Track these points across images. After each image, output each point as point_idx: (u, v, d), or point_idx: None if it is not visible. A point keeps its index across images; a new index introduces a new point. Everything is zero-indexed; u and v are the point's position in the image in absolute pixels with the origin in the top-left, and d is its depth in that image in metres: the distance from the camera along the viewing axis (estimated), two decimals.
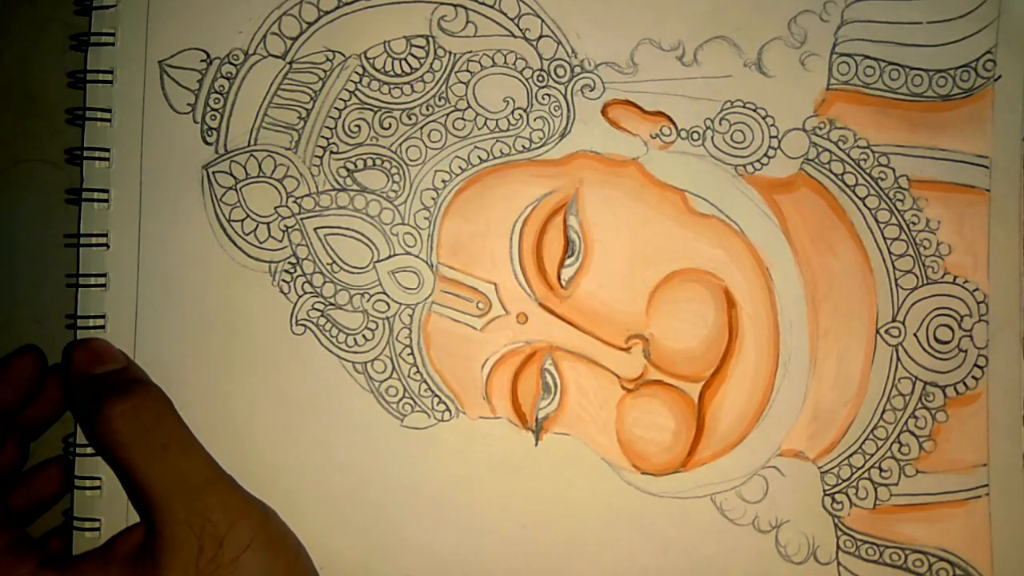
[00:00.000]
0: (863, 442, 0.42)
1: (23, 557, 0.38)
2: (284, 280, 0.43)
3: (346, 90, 0.43)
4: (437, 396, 0.43)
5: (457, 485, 0.43)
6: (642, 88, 0.42)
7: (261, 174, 0.43)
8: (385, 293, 0.43)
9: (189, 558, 0.37)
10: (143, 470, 0.38)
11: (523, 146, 0.43)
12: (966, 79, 0.42)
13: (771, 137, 0.42)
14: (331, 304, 0.43)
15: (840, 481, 0.42)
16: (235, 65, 0.43)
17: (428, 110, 0.43)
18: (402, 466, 0.43)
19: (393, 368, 0.43)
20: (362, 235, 0.43)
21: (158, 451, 0.38)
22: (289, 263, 0.43)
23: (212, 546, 0.38)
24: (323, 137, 0.43)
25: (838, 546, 0.42)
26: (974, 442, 0.42)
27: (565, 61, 0.43)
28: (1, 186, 0.46)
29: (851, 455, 0.42)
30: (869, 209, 0.42)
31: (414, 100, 0.43)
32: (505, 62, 0.43)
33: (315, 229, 0.43)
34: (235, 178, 0.43)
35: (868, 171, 0.42)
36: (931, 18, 0.43)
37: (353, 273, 0.43)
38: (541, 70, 0.43)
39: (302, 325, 0.43)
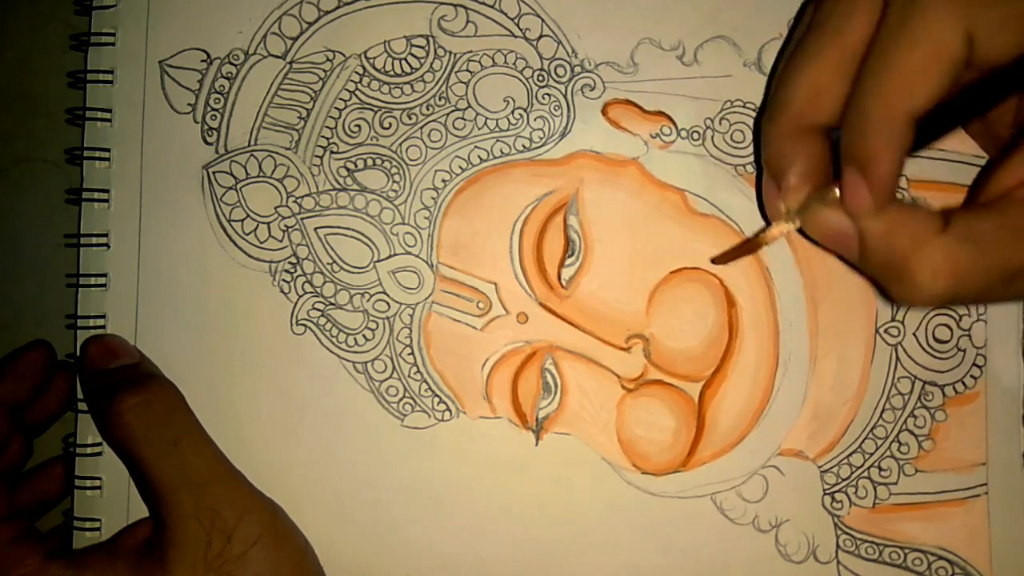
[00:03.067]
0: (863, 441, 0.42)
1: (31, 548, 0.39)
2: (284, 280, 0.43)
3: (346, 90, 0.43)
4: (437, 396, 0.43)
5: (457, 485, 0.43)
6: (642, 88, 0.42)
7: (261, 174, 0.43)
8: (385, 293, 0.43)
9: (197, 552, 0.37)
10: (153, 464, 0.38)
11: (523, 146, 0.43)
12: None
13: None
14: (331, 304, 0.43)
15: (840, 480, 0.42)
16: (235, 65, 0.43)
17: (428, 110, 0.43)
18: (402, 466, 0.43)
19: (393, 368, 0.43)
20: (362, 235, 0.43)
21: (168, 445, 0.38)
22: (289, 263, 0.43)
23: (220, 540, 0.38)
24: (323, 137, 0.43)
25: (838, 545, 0.42)
26: (973, 441, 0.42)
27: (565, 61, 0.43)
28: (1, 186, 0.46)
29: (851, 454, 0.42)
30: None
31: (414, 100, 0.43)
32: (505, 62, 0.43)
33: (315, 229, 0.43)
34: (235, 178, 0.43)
35: None
36: None
37: (353, 273, 0.43)
38: (541, 70, 0.43)
39: (302, 325, 0.43)
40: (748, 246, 0.39)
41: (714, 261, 0.41)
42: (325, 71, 0.43)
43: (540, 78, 0.43)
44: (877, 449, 0.42)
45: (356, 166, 0.43)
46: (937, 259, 0.32)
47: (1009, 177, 0.34)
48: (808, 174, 0.35)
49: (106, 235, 0.43)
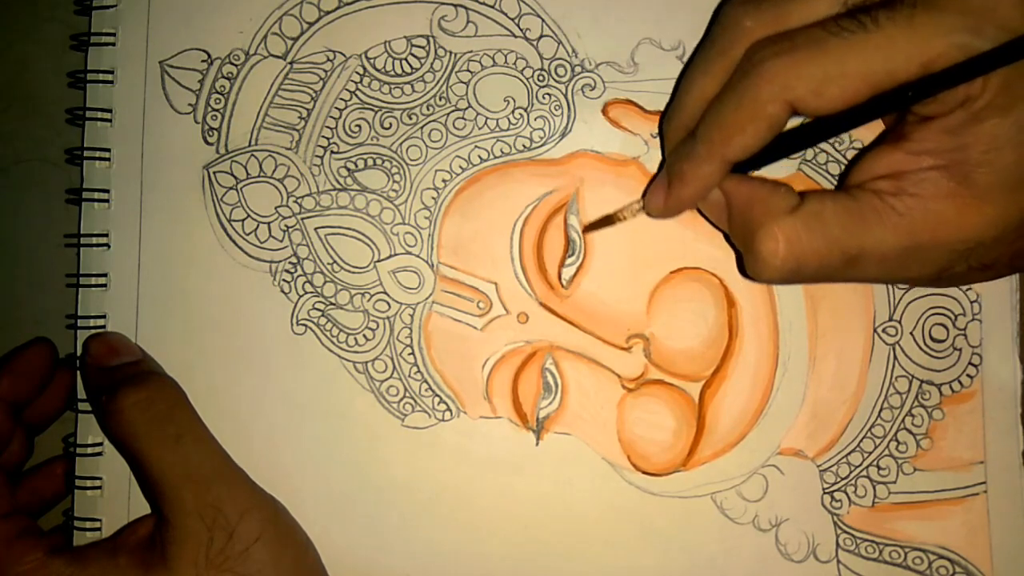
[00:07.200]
0: (861, 440, 0.42)
1: (33, 545, 0.39)
2: (285, 280, 0.43)
3: (347, 90, 0.43)
4: (438, 396, 0.43)
5: (457, 485, 0.43)
6: (643, 87, 0.43)
7: (262, 174, 0.43)
8: (386, 293, 0.43)
9: (199, 548, 0.37)
10: (155, 460, 0.38)
11: (524, 145, 0.43)
12: None
13: None
14: (332, 304, 0.43)
15: (839, 479, 0.42)
16: (236, 65, 0.43)
17: (429, 110, 0.43)
18: (403, 466, 0.43)
19: (394, 368, 0.43)
20: (363, 235, 0.43)
21: (171, 442, 0.38)
22: (290, 263, 0.43)
23: (222, 537, 0.38)
24: (324, 137, 0.43)
25: (837, 544, 0.42)
26: (970, 439, 0.42)
27: (565, 61, 0.43)
28: (1, 186, 0.46)
29: (849, 453, 0.42)
30: None
31: (415, 100, 0.43)
32: (505, 62, 0.43)
33: (316, 229, 0.43)
34: (236, 178, 0.43)
35: None
36: None
37: (354, 273, 0.43)
38: (541, 70, 0.43)
39: (303, 325, 0.43)
40: (614, 217, 0.41)
41: (585, 230, 0.42)
42: (326, 71, 0.43)
43: (540, 78, 0.43)
44: (876, 448, 0.42)
45: (356, 166, 0.43)
46: (780, 235, 0.34)
47: (870, 168, 0.36)
48: None
49: (106, 235, 0.43)
